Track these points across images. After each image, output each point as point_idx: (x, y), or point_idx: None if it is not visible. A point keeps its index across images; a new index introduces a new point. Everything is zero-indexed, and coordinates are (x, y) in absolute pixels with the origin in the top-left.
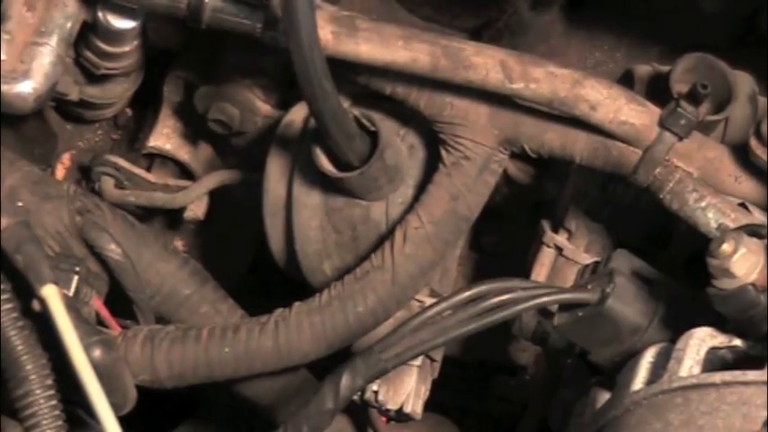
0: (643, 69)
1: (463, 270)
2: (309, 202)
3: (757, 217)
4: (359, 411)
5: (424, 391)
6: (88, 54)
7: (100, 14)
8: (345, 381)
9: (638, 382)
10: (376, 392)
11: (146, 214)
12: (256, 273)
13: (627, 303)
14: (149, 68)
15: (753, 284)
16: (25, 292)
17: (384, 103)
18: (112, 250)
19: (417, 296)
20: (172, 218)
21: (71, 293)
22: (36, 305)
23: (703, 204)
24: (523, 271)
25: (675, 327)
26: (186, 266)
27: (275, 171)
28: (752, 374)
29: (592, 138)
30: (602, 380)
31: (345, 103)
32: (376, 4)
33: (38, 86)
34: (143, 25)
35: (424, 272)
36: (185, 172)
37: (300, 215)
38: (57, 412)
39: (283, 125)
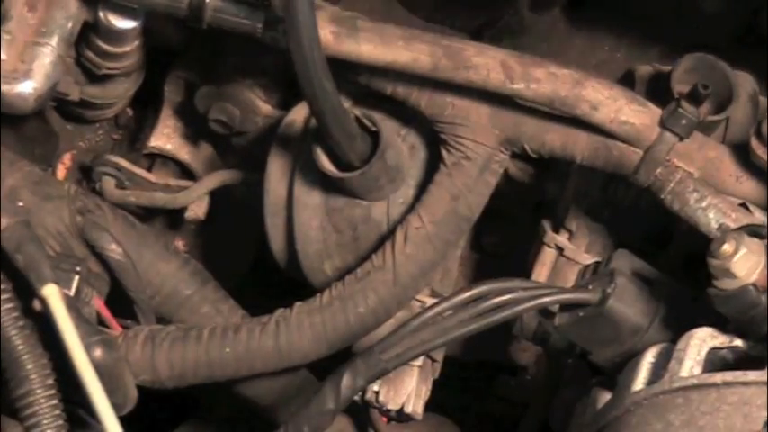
0: (644, 69)
1: (464, 270)
2: (310, 202)
3: (758, 217)
4: (360, 412)
5: (425, 392)
6: (89, 54)
7: (101, 14)
8: (346, 381)
9: (639, 382)
10: (377, 393)
11: (146, 214)
12: (257, 273)
13: (628, 304)
14: (150, 68)
15: (753, 285)
16: (26, 292)
17: (385, 103)
18: (113, 250)
19: (418, 296)
20: (173, 218)
21: (72, 293)
22: (37, 305)
23: (704, 204)
24: (524, 271)
25: (676, 327)
26: (187, 266)
27: (276, 171)
28: (752, 375)
29: (593, 138)
30: (602, 380)
31: (346, 104)
32: (377, 5)
33: (38, 86)
34: (144, 25)
35: (425, 272)
36: (186, 172)
37: (301, 215)
38: (57, 412)
39: (284, 125)
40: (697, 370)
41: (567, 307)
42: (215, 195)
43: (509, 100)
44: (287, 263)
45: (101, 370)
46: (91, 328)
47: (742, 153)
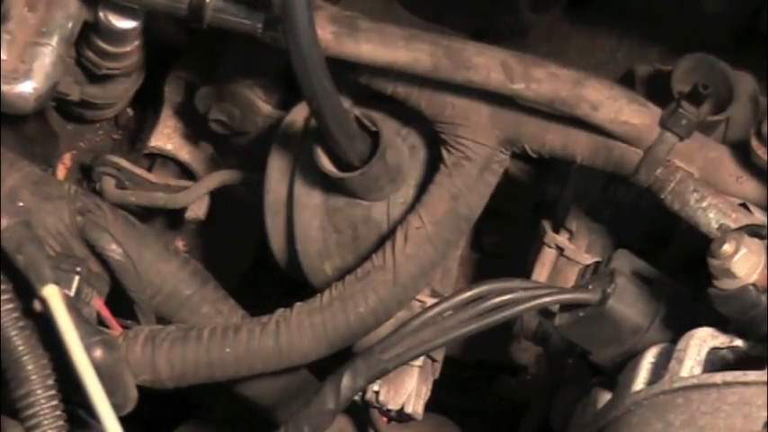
0: (644, 70)
1: (464, 270)
2: (310, 202)
3: (758, 217)
4: (360, 412)
5: (425, 392)
6: (89, 54)
7: (101, 14)
8: (346, 381)
9: (640, 382)
10: (377, 393)
11: (147, 214)
12: (257, 273)
13: (628, 304)
14: (150, 68)
15: (754, 285)
16: (26, 293)
17: (385, 103)
18: (113, 250)
19: (418, 296)
20: (173, 218)
21: (72, 294)
22: (37, 305)
23: (704, 205)
24: (524, 271)
25: (676, 327)
26: (187, 267)
27: (276, 171)
28: (753, 375)
29: (593, 138)
30: (603, 380)
31: (346, 104)
32: (377, 5)
33: (39, 86)
34: (144, 25)
35: (425, 272)
36: (186, 172)
37: (301, 215)
38: (58, 412)
39: (284, 125)
40: (697, 370)
41: (567, 307)
42: (215, 195)
43: (509, 100)
44: (287, 263)
45: (101, 370)
46: (91, 328)
47: (742, 153)
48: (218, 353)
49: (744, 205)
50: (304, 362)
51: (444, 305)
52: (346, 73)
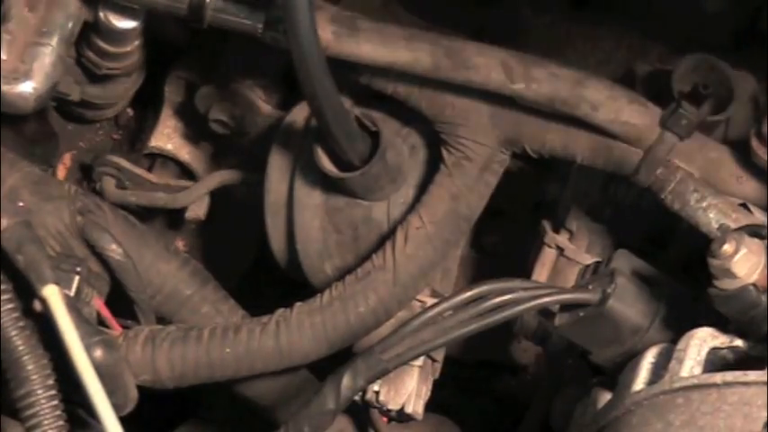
0: (644, 70)
1: (464, 270)
2: (311, 202)
3: (758, 217)
4: (360, 412)
5: (426, 392)
6: (89, 54)
7: (101, 14)
8: (346, 381)
9: (640, 382)
10: (377, 393)
11: (147, 214)
12: (257, 273)
13: (628, 304)
14: (150, 68)
15: (754, 285)
16: (26, 293)
17: (385, 103)
18: (113, 250)
19: (419, 296)
20: (173, 218)
21: (72, 294)
22: (37, 305)
23: (704, 204)
24: (524, 271)
25: (676, 327)
26: (187, 267)
27: (276, 171)
28: (753, 375)
29: (593, 138)
30: (603, 380)
31: (347, 104)
32: (377, 5)
33: (39, 86)
34: (144, 25)
35: (425, 272)
36: (186, 172)
37: (302, 215)
38: (58, 412)
39: (285, 125)
40: (697, 370)
41: (567, 307)
42: (215, 195)
43: (509, 100)
44: (287, 263)
45: (101, 370)
46: (91, 328)
47: (742, 153)
48: (219, 353)
49: (744, 205)
50: (304, 362)
51: (444, 305)
52: (346, 73)
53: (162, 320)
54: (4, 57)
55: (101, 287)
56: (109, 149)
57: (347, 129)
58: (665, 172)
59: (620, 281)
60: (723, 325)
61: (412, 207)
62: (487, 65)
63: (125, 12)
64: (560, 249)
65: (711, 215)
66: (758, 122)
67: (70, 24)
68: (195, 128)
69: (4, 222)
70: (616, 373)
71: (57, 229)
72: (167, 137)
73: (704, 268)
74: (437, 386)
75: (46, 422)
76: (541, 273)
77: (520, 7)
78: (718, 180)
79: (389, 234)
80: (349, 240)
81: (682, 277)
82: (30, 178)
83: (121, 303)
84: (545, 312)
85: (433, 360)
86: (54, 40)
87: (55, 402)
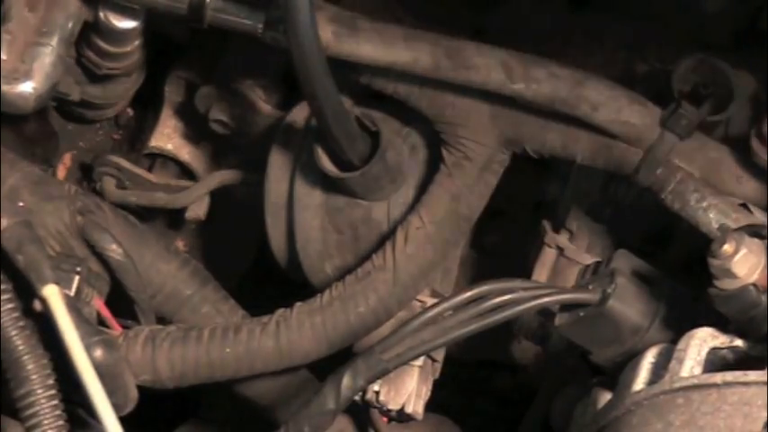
0: (644, 70)
1: (464, 270)
2: (311, 202)
3: (758, 217)
4: (360, 412)
5: (426, 392)
6: (90, 54)
7: (101, 14)
8: (347, 381)
9: (640, 382)
10: (377, 393)
11: (147, 214)
12: (257, 273)
13: (628, 304)
14: (150, 68)
15: (754, 285)
16: (26, 293)
17: (385, 103)
18: (114, 250)
19: (419, 296)
20: (173, 218)
21: (72, 293)
22: (37, 305)
23: (705, 204)
24: (525, 271)
25: (677, 327)
26: (187, 267)
27: (277, 171)
28: (753, 375)
29: (593, 138)
30: (603, 380)
31: (347, 104)
32: (377, 5)
33: (39, 86)
34: (144, 25)
35: (426, 272)
36: (186, 172)
37: (302, 215)
38: (58, 412)
39: (285, 125)
40: (697, 370)
41: (567, 307)
42: (215, 195)
43: (509, 100)
44: (287, 263)
45: (101, 370)
46: (91, 328)
47: (742, 153)
48: (219, 353)
49: (744, 205)
50: (304, 362)
51: (444, 305)
52: (346, 73)
53: (162, 320)
54: (4, 57)
55: (101, 287)
56: (109, 149)
57: (347, 129)
58: (665, 172)
59: (620, 281)
60: (723, 325)
61: (412, 207)
62: (487, 65)
63: (125, 12)
64: (560, 249)
65: (711, 215)
66: (758, 122)
67: (70, 24)
68: (195, 128)
69: (4, 222)
70: (616, 373)
71: (57, 229)
72: (167, 137)
73: (704, 268)
74: (437, 386)
75: (46, 422)
76: (541, 273)
77: (520, 7)
78: (718, 180)
79: (389, 234)
80: (349, 240)
81: (682, 277)
82: (30, 178)
83: (121, 303)
84: (545, 312)
85: (433, 360)
86: (54, 40)
87: (55, 402)
